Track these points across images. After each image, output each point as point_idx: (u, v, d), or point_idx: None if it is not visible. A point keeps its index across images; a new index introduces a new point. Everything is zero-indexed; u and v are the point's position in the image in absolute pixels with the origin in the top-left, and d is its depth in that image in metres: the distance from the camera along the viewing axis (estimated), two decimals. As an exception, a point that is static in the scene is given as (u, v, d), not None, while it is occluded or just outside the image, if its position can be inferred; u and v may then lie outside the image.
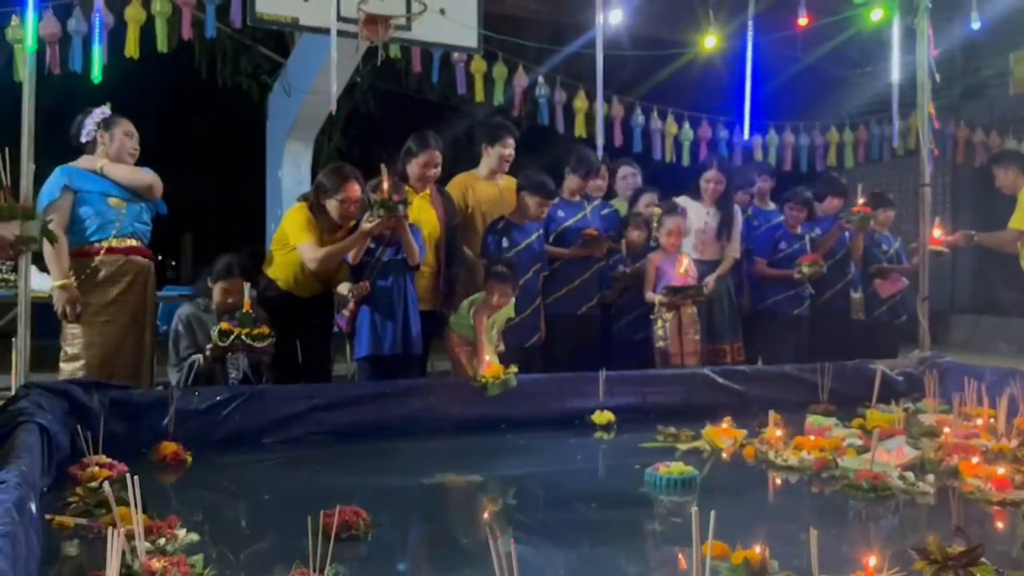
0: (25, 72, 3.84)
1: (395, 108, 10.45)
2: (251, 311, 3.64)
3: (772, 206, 5.60)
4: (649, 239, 4.87)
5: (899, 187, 9.67)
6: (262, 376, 3.94)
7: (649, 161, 6.60)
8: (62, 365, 3.78)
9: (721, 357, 4.95)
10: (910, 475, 2.94)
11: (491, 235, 4.48)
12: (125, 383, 3.59)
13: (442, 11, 4.49)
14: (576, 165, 4.79)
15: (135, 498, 1.89)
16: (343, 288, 3.92)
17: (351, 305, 3.99)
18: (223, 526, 2.60)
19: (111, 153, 3.85)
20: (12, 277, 5.34)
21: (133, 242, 3.84)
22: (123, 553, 1.71)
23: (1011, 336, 8.66)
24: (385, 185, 3.72)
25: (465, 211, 4.61)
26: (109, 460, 2.78)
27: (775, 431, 3.44)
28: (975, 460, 3.03)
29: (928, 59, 5.41)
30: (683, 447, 3.51)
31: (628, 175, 5.38)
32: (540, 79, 6.41)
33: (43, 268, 3.87)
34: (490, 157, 4.71)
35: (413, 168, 4.27)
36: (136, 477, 1.92)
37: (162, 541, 2.08)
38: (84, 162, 3.84)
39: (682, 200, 5.05)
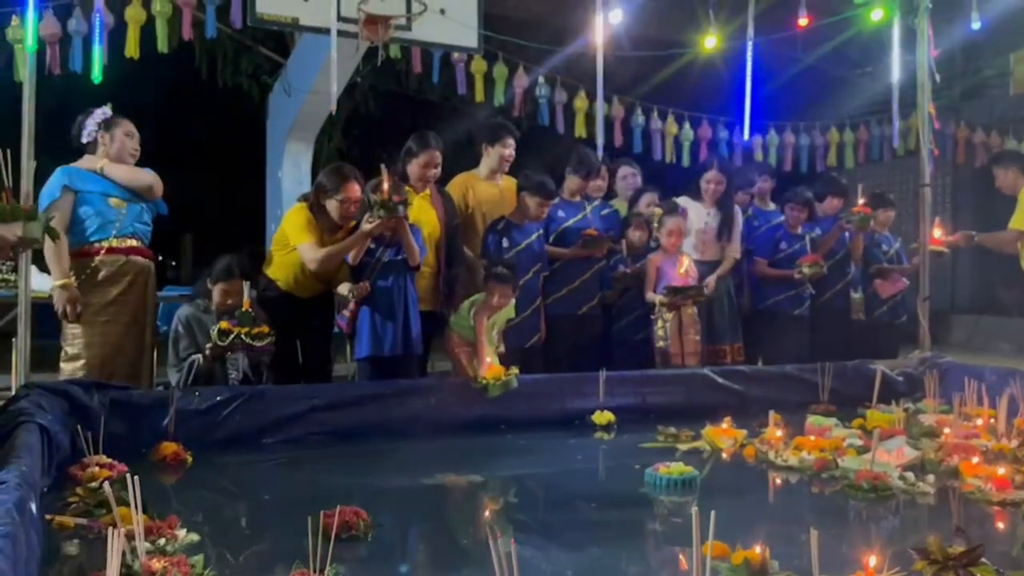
0: (25, 72, 3.84)
1: (395, 108, 10.46)
2: (250, 310, 3.64)
3: (772, 206, 5.60)
4: (650, 239, 4.87)
5: (899, 187, 9.67)
6: (262, 376, 3.94)
7: (649, 161, 6.60)
8: (62, 365, 3.78)
9: (721, 357, 4.96)
10: (910, 475, 2.94)
11: (491, 235, 4.48)
12: (125, 383, 3.59)
13: (442, 11, 4.49)
14: (577, 165, 4.79)
15: (135, 498, 1.89)
16: (343, 288, 3.92)
17: (351, 305, 3.99)
18: (223, 526, 2.60)
19: (112, 154, 3.85)
20: (12, 277, 5.33)
21: (133, 242, 3.85)
22: (123, 553, 1.71)
23: (1012, 336, 8.66)
24: (385, 186, 3.72)
25: (465, 211, 4.61)
26: (109, 460, 2.78)
27: (775, 431, 3.43)
28: (975, 460, 3.03)
29: (928, 59, 5.41)
30: (683, 447, 3.51)
31: (628, 175, 5.38)
32: (540, 79, 6.41)
33: (43, 268, 3.87)
34: (490, 157, 4.71)
35: (413, 168, 4.27)
36: (136, 477, 1.92)
37: (162, 541, 2.08)
38: (85, 162, 3.85)
39: (682, 200, 5.05)
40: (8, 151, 2.81)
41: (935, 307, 5.74)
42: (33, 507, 2.00)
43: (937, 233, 5.33)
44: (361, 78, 8.34)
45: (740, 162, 6.83)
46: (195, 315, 3.88)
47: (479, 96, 6.13)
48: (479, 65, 5.99)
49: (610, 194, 5.35)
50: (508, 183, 4.69)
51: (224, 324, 3.60)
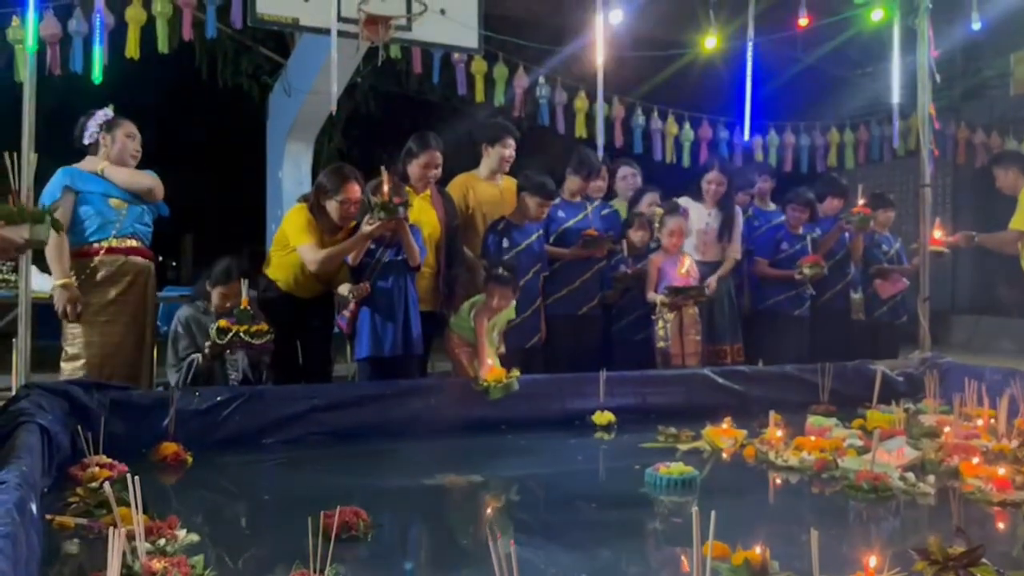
0: (26, 72, 3.85)
1: (395, 109, 10.46)
2: (249, 308, 3.64)
3: (773, 206, 5.60)
4: (651, 239, 4.87)
5: (899, 188, 9.67)
6: (262, 376, 3.94)
7: (649, 162, 6.60)
8: (62, 365, 3.79)
9: (722, 358, 4.96)
10: (911, 476, 2.94)
11: (491, 235, 4.48)
12: (125, 383, 3.59)
13: (443, 12, 4.49)
14: (577, 166, 4.79)
15: (135, 498, 1.89)
16: (343, 289, 3.92)
17: (351, 306, 3.99)
18: (223, 527, 2.60)
19: (112, 155, 3.85)
20: (13, 277, 5.34)
21: (133, 242, 3.85)
22: (123, 554, 1.71)
23: (1012, 337, 8.66)
24: (385, 188, 3.72)
25: (466, 212, 4.61)
26: (109, 460, 2.78)
27: (775, 432, 3.43)
28: (976, 461, 3.03)
29: (928, 60, 5.41)
30: (683, 447, 3.51)
31: (628, 175, 5.38)
32: (541, 80, 6.41)
33: (44, 268, 3.87)
34: (490, 158, 4.71)
35: (414, 169, 4.27)
36: (136, 477, 1.92)
37: (162, 542, 2.08)
38: (87, 164, 3.85)
39: (683, 201, 5.05)
40: (14, 154, 2.82)
41: (935, 307, 5.73)
42: (33, 507, 2.00)
43: (937, 234, 5.33)
44: (361, 78, 8.34)
45: (740, 162, 6.83)
46: (195, 316, 3.88)
47: (479, 96, 6.13)
48: (479, 65, 5.99)
49: (610, 194, 5.35)
50: (508, 183, 4.69)
51: (223, 322, 3.60)
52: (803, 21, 5.51)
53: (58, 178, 3.76)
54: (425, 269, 4.15)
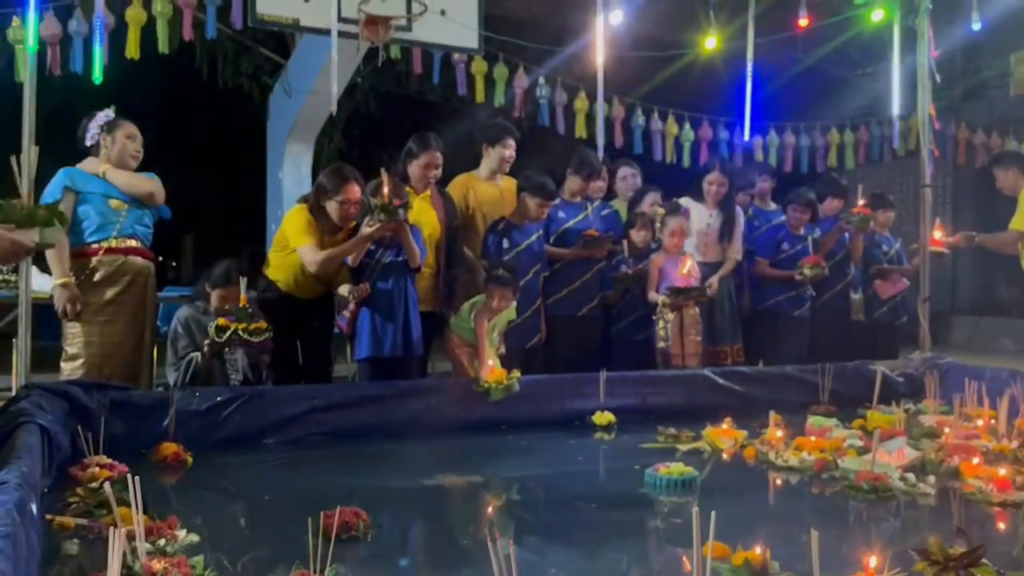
0: (26, 73, 3.85)
1: (396, 109, 10.46)
2: (248, 306, 3.64)
3: (773, 206, 5.60)
4: (653, 239, 4.87)
5: (900, 188, 9.67)
6: (261, 375, 3.94)
7: (649, 162, 6.60)
8: (62, 364, 3.79)
9: (722, 359, 4.96)
10: (911, 476, 2.94)
11: (491, 236, 4.48)
12: (125, 383, 3.59)
13: (443, 12, 4.49)
14: (578, 166, 4.78)
15: (136, 499, 1.89)
16: (343, 290, 3.93)
17: (351, 306, 3.99)
18: (223, 527, 2.60)
19: (113, 156, 3.85)
20: (13, 278, 5.34)
21: (133, 243, 3.84)
22: (124, 554, 1.71)
23: (1012, 337, 8.66)
24: (385, 189, 3.72)
25: (466, 212, 4.61)
26: (110, 461, 2.77)
27: (776, 432, 3.43)
28: (976, 461, 3.03)
29: (928, 60, 5.42)
30: (683, 448, 3.51)
31: (628, 176, 5.37)
32: (541, 80, 6.41)
33: (44, 269, 3.87)
34: (491, 158, 4.71)
35: (414, 169, 4.27)
36: (137, 478, 1.92)
37: (162, 542, 2.08)
38: (89, 165, 3.85)
39: (684, 201, 5.05)
40: (17, 157, 2.82)
41: (935, 308, 5.73)
42: (33, 507, 2.00)
43: (937, 234, 5.33)
44: (362, 79, 8.35)
45: (740, 163, 6.83)
46: (194, 316, 3.88)
47: (479, 97, 6.13)
48: (479, 66, 5.99)
49: (609, 195, 5.35)
50: (508, 184, 4.69)
51: (221, 320, 3.61)
52: (803, 21, 5.52)
53: (58, 178, 3.77)
54: (425, 269, 4.15)
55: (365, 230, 3.78)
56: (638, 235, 4.83)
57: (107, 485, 2.03)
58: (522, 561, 1.44)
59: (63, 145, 3.95)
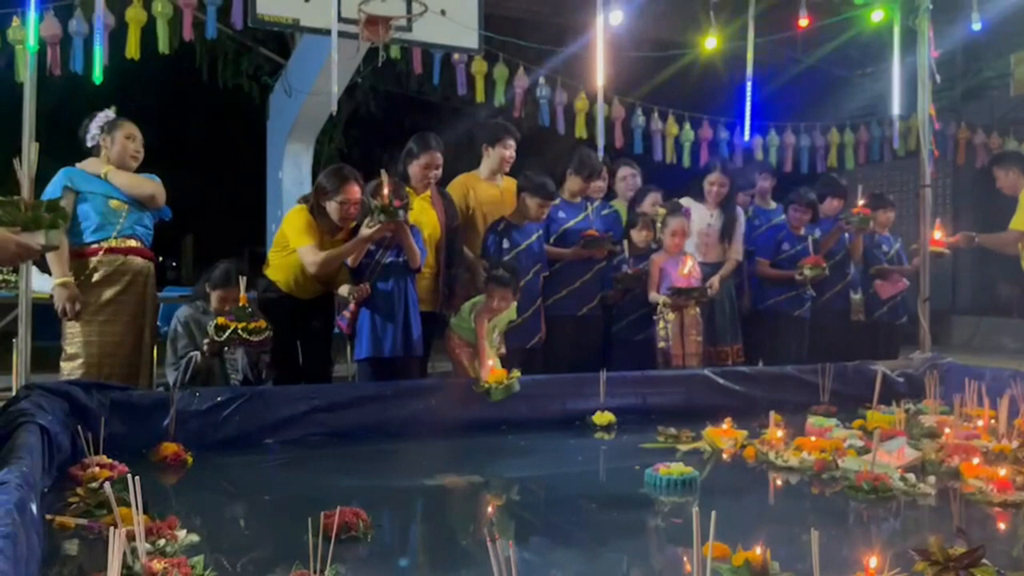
0: (26, 73, 3.85)
1: (396, 109, 10.47)
2: (247, 305, 3.64)
3: (773, 205, 5.59)
4: (654, 239, 4.87)
5: (900, 188, 9.67)
6: (261, 374, 3.94)
7: (650, 162, 6.60)
8: (62, 364, 3.79)
9: (722, 359, 4.95)
10: (911, 476, 2.93)
11: (491, 236, 4.48)
12: (124, 383, 3.59)
13: (443, 12, 4.49)
14: (579, 166, 4.78)
15: (136, 499, 1.89)
16: (344, 290, 3.93)
17: (352, 306, 3.99)
18: (224, 527, 2.60)
19: (113, 156, 3.85)
20: (13, 278, 5.34)
21: (133, 243, 3.84)
22: (124, 554, 1.71)
23: (1013, 337, 8.66)
24: (385, 191, 3.71)
25: (466, 212, 4.61)
26: (110, 461, 2.78)
27: (776, 432, 3.43)
28: (976, 461, 3.03)
29: (929, 60, 5.42)
30: (684, 448, 3.51)
31: (628, 176, 5.37)
32: (541, 80, 6.41)
33: (44, 269, 3.87)
34: (491, 158, 4.71)
35: (414, 169, 4.27)
36: (137, 478, 1.92)
37: (162, 542, 2.08)
38: (91, 166, 3.84)
39: (685, 201, 5.05)
40: (20, 160, 2.82)
41: (936, 308, 5.73)
42: (34, 507, 2.00)
43: (938, 234, 5.33)
44: (362, 79, 8.34)
45: (741, 163, 6.83)
46: (194, 316, 3.88)
47: (480, 97, 6.14)
48: (480, 66, 5.99)
49: (609, 195, 5.35)
50: (508, 184, 4.69)
51: (221, 319, 3.61)
52: (803, 22, 5.51)
53: (58, 178, 3.77)
54: (425, 270, 4.15)
55: (365, 231, 3.78)
56: (639, 235, 4.82)
57: (107, 485, 2.03)
58: (522, 561, 1.44)
59: (64, 145, 3.96)
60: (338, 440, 3.63)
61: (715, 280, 4.88)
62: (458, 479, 3.36)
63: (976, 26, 5.60)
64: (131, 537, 1.85)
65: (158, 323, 4.34)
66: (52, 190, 3.73)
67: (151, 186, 3.91)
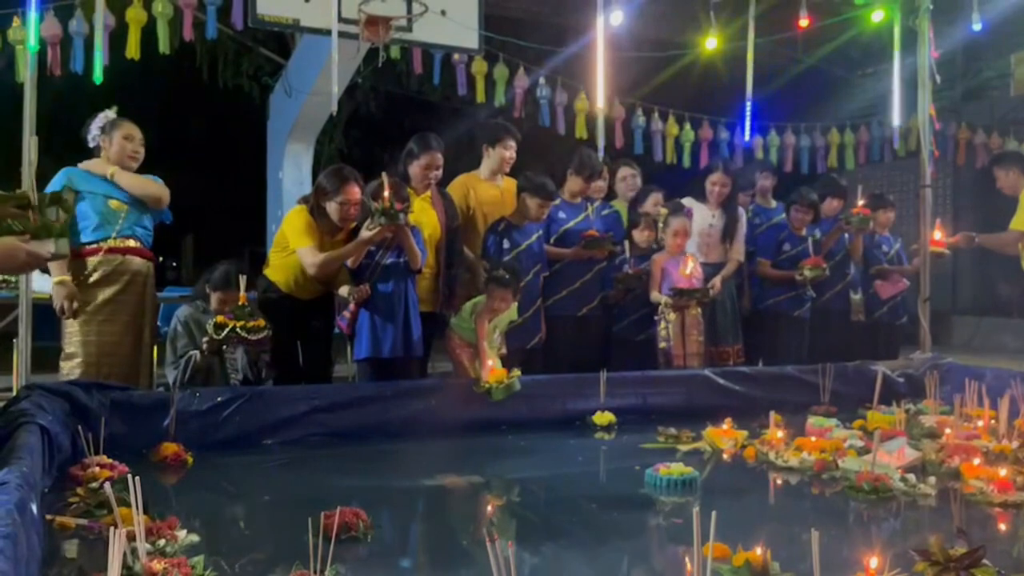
0: (27, 73, 3.85)
1: (396, 109, 10.48)
2: (246, 304, 3.64)
3: (774, 204, 5.59)
4: (656, 239, 4.87)
5: (900, 188, 9.67)
6: (261, 373, 3.94)
7: (650, 162, 6.60)
8: (61, 363, 3.78)
9: (724, 359, 4.95)
10: (911, 477, 2.93)
11: (491, 236, 4.48)
12: (122, 382, 3.59)
13: (443, 12, 4.50)
14: (579, 167, 4.78)
15: (136, 499, 1.89)
16: (344, 291, 3.93)
17: (352, 306, 3.99)
18: (224, 527, 2.60)
19: (112, 157, 3.84)
20: (13, 278, 5.34)
21: (132, 243, 3.84)
22: (124, 554, 1.71)
23: (1013, 337, 8.66)
24: (386, 193, 3.71)
25: (466, 212, 4.61)
26: (110, 461, 2.78)
27: (776, 432, 3.43)
28: (976, 462, 3.03)
29: (929, 60, 5.42)
30: (684, 448, 3.51)
31: (628, 176, 5.37)
32: (541, 80, 6.42)
33: (44, 269, 3.87)
34: (491, 158, 4.71)
35: (415, 170, 4.27)
36: (137, 478, 1.92)
37: (162, 542, 2.08)
38: (94, 165, 3.84)
39: (687, 202, 5.05)
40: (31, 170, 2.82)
41: (936, 308, 5.73)
42: (34, 508, 2.00)
43: (938, 234, 5.34)
44: (362, 79, 8.35)
45: (741, 163, 6.83)
46: (194, 315, 3.88)
47: (480, 97, 6.14)
48: (480, 66, 5.99)
49: (609, 195, 5.35)
50: (509, 184, 4.69)
51: (220, 318, 3.61)
52: (803, 22, 5.51)
53: (58, 179, 3.77)
54: (425, 270, 4.15)
55: (365, 233, 3.78)
56: (641, 235, 4.82)
57: (107, 485, 2.03)
58: (522, 561, 1.44)
59: (64, 145, 3.96)
60: (338, 440, 3.63)
61: (717, 280, 4.88)
62: (458, 479, 3.36)
63: (976, 26, 5.60)
64: (131, 537, 1.85)
65: (158, 323, 4.34)
66: (51, 190, 3.73)
67: (157, 188, 3.91)
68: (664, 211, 4.86)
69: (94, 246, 3.75)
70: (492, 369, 3.85)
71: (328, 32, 4.23)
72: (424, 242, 4.10)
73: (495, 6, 5.35)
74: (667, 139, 6.94)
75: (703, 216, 5.06)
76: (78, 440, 2.92)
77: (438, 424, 3.77)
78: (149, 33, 4.78)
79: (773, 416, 3.53)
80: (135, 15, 4.70)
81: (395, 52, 5.21)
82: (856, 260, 5.57)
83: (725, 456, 3.44)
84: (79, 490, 2.51)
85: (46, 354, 4.10)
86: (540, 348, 4.55)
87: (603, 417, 4.01)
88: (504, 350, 4.13)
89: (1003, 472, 2.87)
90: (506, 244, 4.43)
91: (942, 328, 8.48)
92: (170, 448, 3.15)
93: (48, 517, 2.25)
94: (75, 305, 3.66)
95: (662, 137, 6.93)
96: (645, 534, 2.64)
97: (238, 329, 3.57)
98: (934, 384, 4.28)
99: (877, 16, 5.63)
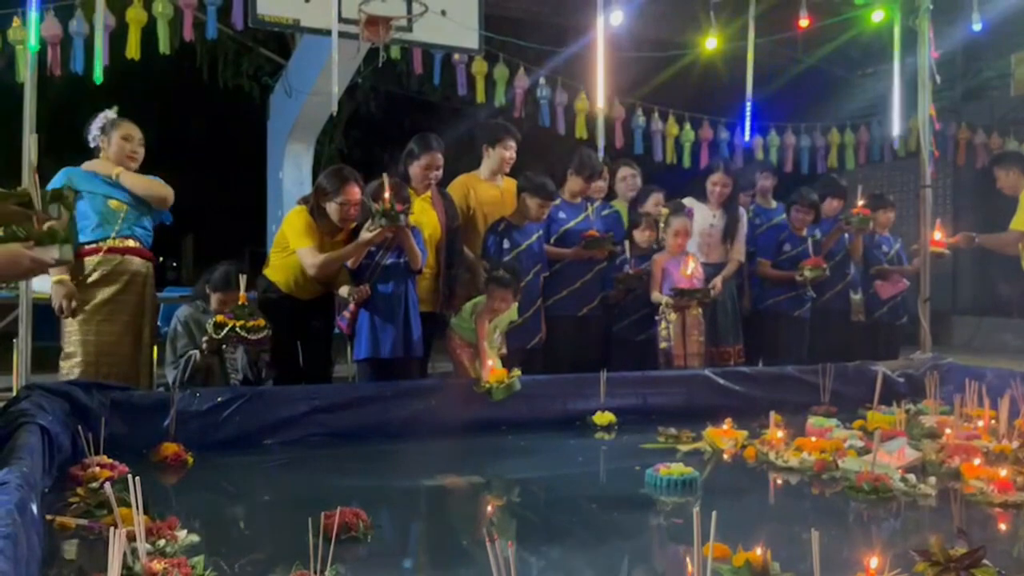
0: (27, 72, 3.85)
1: (396, 109, 10.48)
2: (246, 304, 3.64)
3: (774, 204, 5.59)
4: (657, 239, 4.87)
5: (900, 188, 9.67)
6: (261, 372, 3.94)
7: (650, 163, 6.60)
8: (60, 363, 3.78)
9: (724, 359, 4.95)
10: (911, 477, 2.93)
11: (491, 236, 4.48)
12: (121, 382, 3.58)
13: (443, 12, 4.50)
14: (579, 167, 4.78)
15: (136, 499, 1.89)
16: (344, 291, 3.93)
17: (351, 306, 3.99)
18: (224, 527, 2.60)
19: (111, 157, 3.84)
20: (14, 278, 5.34)
21: (131, 243, 3.84)
22: (124, 554, 1.71)
23: (1013, 337, 8.66)
24: (387, 194, 3.71)
25: (466, 212, 4.61)
26: (110, 461, 2.78)
27: (776, 432, 3.43)
28: (977, 462, 3.03)
29: (929, 60, 5.42)
30: (684, 448, 3.51)
31: (628, 176, 5.36)
32: (541, 80, 6.42)
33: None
34: (491, 158, 4.71)
35: (415, 170, 4.27)
36: (137, 478, 1.92)
37: (162, 542, 2.08)
38: (100, 167, 3.83)
39: (688, 202, 5.05)
40: (37, 175, 2.81)
41: (936, 308, 5.73)
42: (34, 508, 2.00)
43: (938, 235, 5.34)
44: (362, 79, 8.35)
45: (741, 163, 6.83)
46: (194, 315, 3.88)
47: (480, 97, 6.14)
48: (480, 66, 5.99)
49: (609, 195, 5.35)
50: (509, 184, 4.69)
51: (220, 317, 3.61)
52: (803, 22, 5.52)
53: (58, 178, 3.77)
54: (426, 270, 4.15)
55: (366, 235, 3.78)
56: (642, 235, 4.82)
57: (107, 485, 2.03)
58: (522, 561, 1.44)
59: (64, 145, 3.96)
60: (338, 440, 3.63)
61: (718, 281, 4.88)
62: (458, 479, 3.36)
63: (976, 26, 5.60)
64: (131, 537, 1.85)
65: (158, 323, 4.34)
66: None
67: (163, 188, 3.91)
68: (665, 211, 4.86)
69: (93, 246, 3.75)
70: (492, 369, 3.85)
71: (328, 32, 4.23)
72: (424, 242, 4.10)
73: (495, 6, 5.35)
74: (667, 139, 6.94)
75: (704, 216, 5.06)
76: (78, 440, 2.92)
77: (438, 424, 3.77)
78: (149, 33, 4.78)
79: (773, 416, 3.53)
80: (135, 15, 4.70)
81: (395, 52, 5.21)
82: (856, 260, 5.57)
83: (725, 456, 3.44)
84: (79, 490, 2.51)
85: (46, 354, 4.10)
86: (540, 348, 4.55)
87: (603, 417, 4.01)
88: (504, 350, 4.13)
89: (1003, 472, 2.87)
90: (506, 244, 4.43)
91: (942, 328, 8.48)
92: (170, 448, 3.15)
93: (48, 517, 2.25)
94: (74, 304, 3.66)
95: (662, 137, 6.93)
96: (645, 534, 2.64)
97: (238, 329, 3.57)
98: (934, 384, 4.28)
99: (877, 16, 5.64)
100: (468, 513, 2.98)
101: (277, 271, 4.09)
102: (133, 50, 4.74)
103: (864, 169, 8.85)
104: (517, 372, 3.88)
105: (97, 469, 2.68)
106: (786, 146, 7.36)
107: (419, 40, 4.64)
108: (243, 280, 3.70)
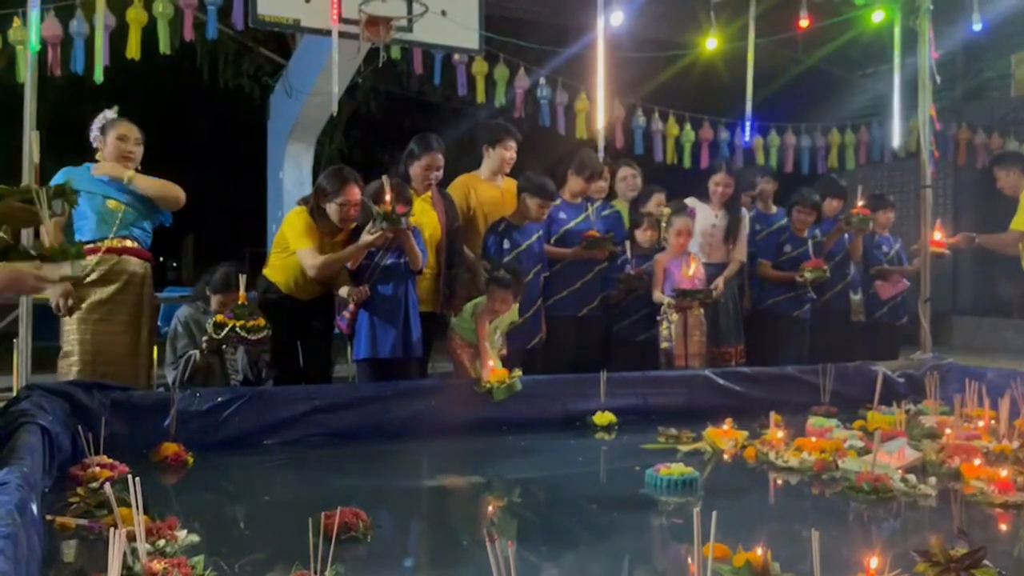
0: (27, 73, 3.86)
1: (396, 109, 10.48)
2: (246, 304, 3.64)
3: (775, 209, 5.58)
4: (659, 239, 4.86)
5: (900, 189, 9.67)
6: (261, 372, 3.94)
7: (650, 163, 6.60)
8: (59, 362, 3.78)
9: (726, 360, 4.95)
10: (911, 477, 2.93)
11: (492, 237, 4.48)
12: (119, 382, 3.58)
13: (443, 13, 4.50)
14: (579, 167, 4.77)
15: (136, 499, 1.89)
16: (344, 291, 3.93)
17: (351, 306, 3.99)
18: (224, 527, 2.60)
19: (107, 157, 3.84)
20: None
21: (130, 243, 3.84)
22: (124, 554, 1.71)
23: (1013, 337, 8.66)
24: (387, 197, 3.71)
25: (467, 212, 4.61)
26: (110, 461, 2.78)
27: (776, 433, 3.43)
28: (977, 462, 3.03)
29: (929, 61, 5.42)
30: (684, 448, 3.51)
31: (628, 176, 5.36)
32: (542, 80, 6.42)
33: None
34: (491, 159, 4.71)
35: (415, 170, 4.27)
36: (137, 478, 1.92)
37: (162, 543, 2.08)
38: (111, 169, 3.82)
39: (690, 202, 5.05)
40: (43, 188, 2.81)
41: (936, 309, 5.73)
42: (34, 508, 2.00)
43: (938, 235, 5.34)
44: (362, 79, 8.35)
45: (741, 164, 6.83)
46: (194, 316, 3.89)
47: (480, 97, 6.14)
48: (480, 66, 6.00)
49: (610, 195, 5.35)
50: (509, 184, 4.69)
51: (220, 317, 3.62)
52: (804, 22, 5.52)
53: (58, 178, 3.76)
54: (426, 270, 4.15)
55: (366, 237, 3.78)
56: (644, 235, 4.82)
57: (107, 485, 2.03)
58: (522, 561, 1.44)
59: (64, 145, 3.96)
60: (338, 440, 3.63)
61: (720, 281, 4.88)
62: (458, 479, 3.36)
63: (976, 27, 5.61)
64: (131, 537, 1.85)
65: (158, 323, 4.34)
66: (52, 189, 3.73)
67: (176, 191, 3.91)
68: (667, 211, 4.86)
69: (91, 246, 3.75)
70: (493, 369, 3.85)
71: (328, 32, 4.23)
72: (424, 243, 4.10)
73: (495, 6, 5.36)
74: (667, 139, 6.95)
75: (706, 216, 5.05)
76: (78, 440, 2.92)
77: (438, 424, 3.77)
78: (149, 33, 4.78)
79: (773, 416, 3.53)
80: (135, 15, 4.71)
81: (395, 52, 5.21)
82: (856, 260, 5.57)
83: (725, 456, 3.44)
84: (79, 490, 2.51)
85: (46, 354, 4.09)
86: (541, 348, 4.55)
87: (603, 417, 4.01)
88: (505, 350, 4.13)
89: (1004, 473, 2.87)
90: (506, 244, 4.43)
91: (942, 328, 8.48)
92: (170, 448, 3.15)
93: (48, 517, 2.25)
94: (71, 303, 3.66)
95: (662, 137, 6.94)
96: (646, 534, 2.64)
97: (238, 328, 3.57)
98: (934, 384, 4.27)
99: (877, 16, 5.64)
100: (468, 513, 2.98)
101: (277, 271, 4.09)
102: (133, 50, 4.74)
103: (864, 169, 8.85)
104: (518, 372, 3.88)
105: (97, 469, 2.68)
106: (786, 146, 7.37)
107: (419, 40, 4.64)
108: (243, 280, 3.70)
